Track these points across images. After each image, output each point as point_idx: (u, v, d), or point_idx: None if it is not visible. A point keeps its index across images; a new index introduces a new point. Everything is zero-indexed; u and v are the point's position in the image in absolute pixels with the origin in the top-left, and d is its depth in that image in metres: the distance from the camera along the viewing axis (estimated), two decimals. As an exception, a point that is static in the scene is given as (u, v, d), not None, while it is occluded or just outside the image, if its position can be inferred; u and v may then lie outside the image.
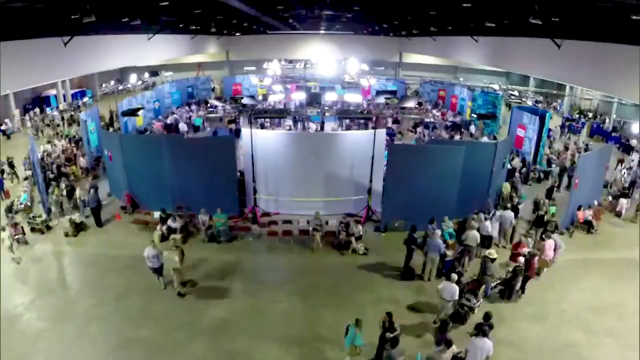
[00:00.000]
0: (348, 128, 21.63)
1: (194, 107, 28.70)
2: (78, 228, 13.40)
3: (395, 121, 24.89)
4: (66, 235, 13.20)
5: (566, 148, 21.38)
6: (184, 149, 13.90)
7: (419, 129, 23.90)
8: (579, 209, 13.70)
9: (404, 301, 10.33)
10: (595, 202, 14.38)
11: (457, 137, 21.97)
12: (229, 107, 28.11)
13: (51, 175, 16.66)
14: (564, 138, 25.00)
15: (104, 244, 12.85)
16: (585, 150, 21.16)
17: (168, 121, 24.39)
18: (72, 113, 29.40)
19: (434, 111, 28.31)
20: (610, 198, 15.72)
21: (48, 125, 26.87)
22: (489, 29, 20.43)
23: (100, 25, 19.82)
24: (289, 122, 22.00)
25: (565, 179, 17.33)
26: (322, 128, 21.89)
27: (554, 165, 18.38)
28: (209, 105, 28.41)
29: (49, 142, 20.66)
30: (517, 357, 8.71)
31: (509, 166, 16.24)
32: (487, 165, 13.71)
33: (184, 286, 10.64)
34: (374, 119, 17.32)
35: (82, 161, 18.14)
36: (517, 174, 16.64)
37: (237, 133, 21.30)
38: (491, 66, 32.76)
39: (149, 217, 13.92)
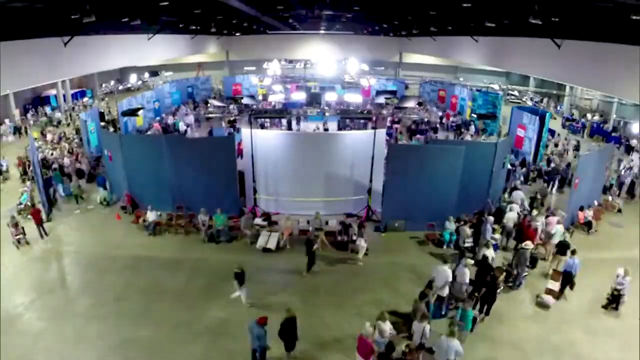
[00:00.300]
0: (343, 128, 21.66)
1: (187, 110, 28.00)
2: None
3: (395, 121, 24.88)
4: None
5: (555, 145, 21.53)
6: (184, 149, 13.90)
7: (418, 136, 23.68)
8: (581, 209, 13.70)
9: (403, 304, 10.32)
10: (595, 202, 14.38)
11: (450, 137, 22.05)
12: (231, 107, 28.08)
13: (51, 174, 16.69)
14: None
15: (104, 244, 12.85)
16: (576, 148, 21.27)
17: (169, 121, 24.41)
18: (63, 119, 28.99)
19: (435, 110, 28.26)
20: (610, 198, 15.74)
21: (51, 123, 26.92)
22: (489, 29, 20.43)
23: (100, 25, 19.82)
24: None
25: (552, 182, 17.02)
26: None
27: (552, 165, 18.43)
28: (209, 105, 28.41)
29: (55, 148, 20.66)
30: (517, 357, 8.71)
31: (509, 166, 16.24)
32: (487, 165, 13.71)
33: None
34: (374, 119, 17.30)
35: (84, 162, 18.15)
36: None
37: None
38: (491, 66, 32.77)
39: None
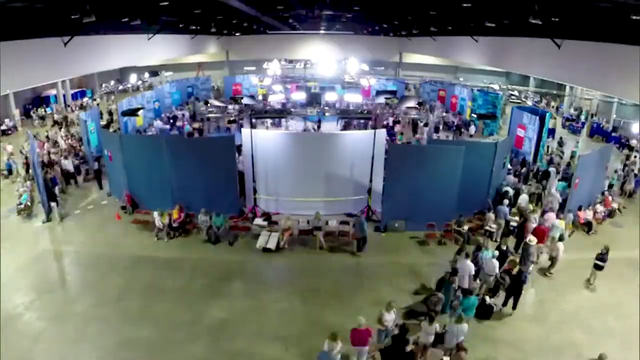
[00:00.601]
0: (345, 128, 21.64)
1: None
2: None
3: (396, 121, 24.89)
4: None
5: (560, 144, 21.86)
6: (184, 149, 13.90)
7: (425, 129, 23.74)
8: (579, 209, 13.71)
9: (404, 301, 10.33)
10: (597, 201, 14.31)
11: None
12: (232, 107, 28.06)
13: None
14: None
15: (104, 244, 12.85)
16: (560, 144, 21.84)
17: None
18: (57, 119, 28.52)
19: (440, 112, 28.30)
20: (610, 198, 15.73)
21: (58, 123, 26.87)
22: (489, 29, 20.43)
23: (100, 25, 19.82)
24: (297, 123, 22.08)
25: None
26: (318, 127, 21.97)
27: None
28: (209, 105, 28.39)
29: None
30: (517, 357, 8.71)
31: (509, 166, 16.25)
32: (487, 165, 13.71)
33: None
34: (374, 118, 17.30)
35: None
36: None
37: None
38: (491, 66, 32.77)
39: (149, 217, 13.91)
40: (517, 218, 13.47)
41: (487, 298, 9.91)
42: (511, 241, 12.38)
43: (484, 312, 9.70)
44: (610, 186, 16.63)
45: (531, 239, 11.01)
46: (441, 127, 24.91)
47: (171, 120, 25.30)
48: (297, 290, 10.76)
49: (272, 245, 12.33)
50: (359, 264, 11.95)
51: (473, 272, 10.09)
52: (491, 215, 13.08)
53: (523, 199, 14.41)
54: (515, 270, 10.35)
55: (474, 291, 9.69)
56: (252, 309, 10.03)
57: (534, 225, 12.44)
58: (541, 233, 11.75)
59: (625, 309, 10.10)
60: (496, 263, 10.23)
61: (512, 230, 12.95)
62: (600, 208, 14.36)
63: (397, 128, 23.88)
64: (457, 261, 10.32)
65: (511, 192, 14.73)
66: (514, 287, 9.86)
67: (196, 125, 24.29)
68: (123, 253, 12.29)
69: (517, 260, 11.03)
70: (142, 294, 10.50)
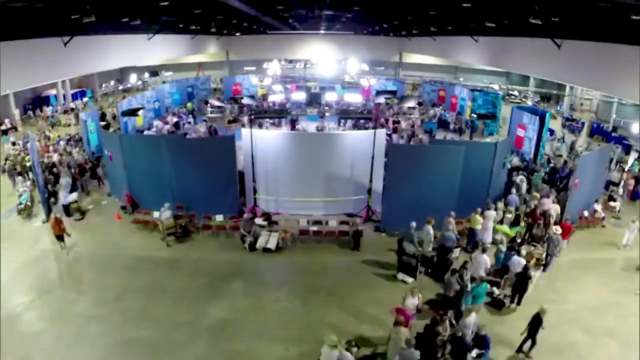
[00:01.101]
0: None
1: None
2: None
3: (395, 121, 24.89)
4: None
5: (558, 141, 22.14)
6: (184, 149, 13.90)
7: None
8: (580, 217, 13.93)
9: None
10: (586, 213, 14.17)
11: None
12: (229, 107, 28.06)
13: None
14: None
15: (104, 244, 12.85)
16: (559, 140, 22.33)
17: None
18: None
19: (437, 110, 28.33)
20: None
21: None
22: (489, 29, 20.42)
23: (100, 25, 19.79)
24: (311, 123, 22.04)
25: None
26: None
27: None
28: (209, 105, 28.40)
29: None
30: (517, 357, 8.70)
31: (508, 166, 16.25)
32: (487, 165, 13.71)
33: None
34: (374, 118, 17.33)
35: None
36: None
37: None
38: (491, 66, 32.73)
39: (149, 217, 13.92)
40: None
41: (496, 290, 10.21)
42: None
43: (496, 305, 10.06)
44: (609, 186, 16.65)
45: (557, 229, 11.34)
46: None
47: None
48: (297, 290, 10.76)
49: (272, 245, 12.33)
50: (359, 263, 11.94)
51: (489, 265, 10.30)
52: (500, 205, 13.52)
53: (525, 188, 15.30)
54: (533, 261, 10.50)
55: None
56: (252, 309, 10.03)
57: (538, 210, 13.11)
58: (567, 228, 12.08)
59: (625, 309, 10.10)
60: (523, 261, 10.41)
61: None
62: (599, 207, 14.35)
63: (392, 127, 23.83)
64: (473, 254, 10.63)
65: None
66: (520, 283, 9.97)
67: (202, 128, 24.09)
68: (123, 253, 12.29)
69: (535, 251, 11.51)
70: (142, 294, 10.50)
